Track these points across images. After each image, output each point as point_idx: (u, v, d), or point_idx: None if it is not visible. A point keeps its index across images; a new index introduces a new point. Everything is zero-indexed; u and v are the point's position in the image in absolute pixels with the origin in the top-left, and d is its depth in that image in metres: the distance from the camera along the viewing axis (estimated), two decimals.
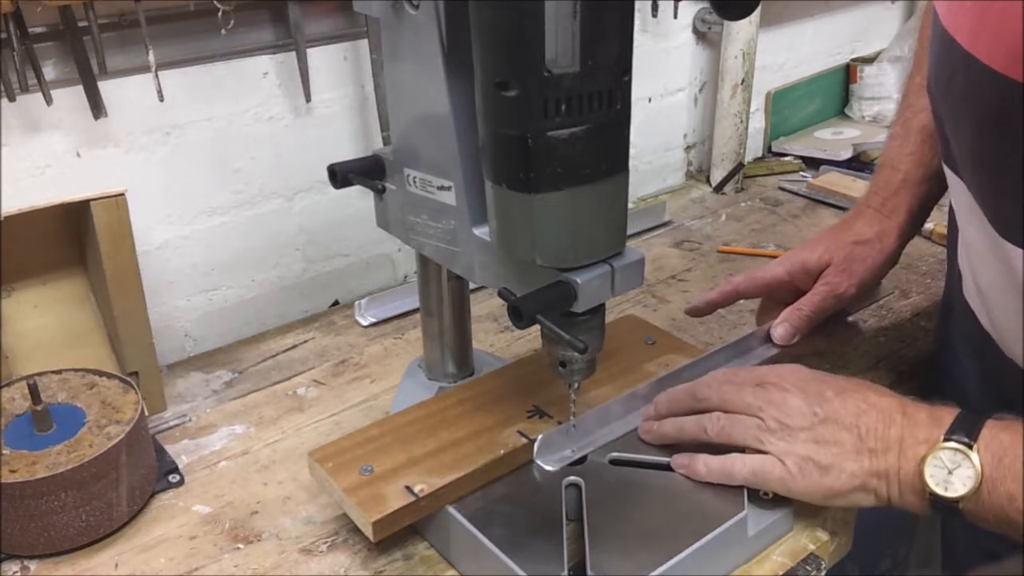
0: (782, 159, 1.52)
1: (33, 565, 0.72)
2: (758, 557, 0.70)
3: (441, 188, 0.70)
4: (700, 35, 1.39)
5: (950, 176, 0.70)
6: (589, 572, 0.63)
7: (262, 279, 1.08)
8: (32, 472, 0.70)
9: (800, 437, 0.66)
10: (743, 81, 1.35)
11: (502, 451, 0.73)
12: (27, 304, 0.88)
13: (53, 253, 0.88)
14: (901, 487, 0.63)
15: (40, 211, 0.79)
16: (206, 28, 0.92)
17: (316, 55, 1.01)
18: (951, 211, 0.79)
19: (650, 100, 1.38)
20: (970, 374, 0.82)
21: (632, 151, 0.62)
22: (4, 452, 0.72)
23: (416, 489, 0.69)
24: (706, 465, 0.70)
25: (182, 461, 0.84)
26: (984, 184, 0.64)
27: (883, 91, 1.59)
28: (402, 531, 0.70)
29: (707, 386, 0.73)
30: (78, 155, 0.90)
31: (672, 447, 0.74)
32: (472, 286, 0.85)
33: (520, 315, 0.60)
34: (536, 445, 0.73)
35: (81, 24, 0.84)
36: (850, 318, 0.95)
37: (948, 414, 0.63)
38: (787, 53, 1.54)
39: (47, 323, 0.89)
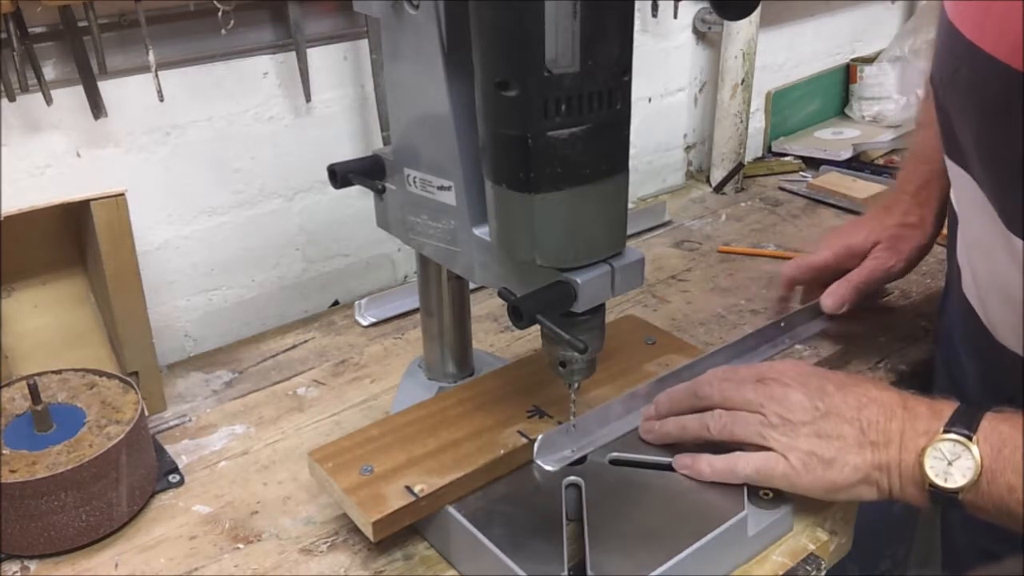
0: (782, 159, 1.52)
1: (33, 565, 0.72)
2: (758, 557, 0.70)
3: (441, 188, 0.70)
4: (700, 35, 1.39)
5: (953, 169, 0.70)
6: (589, 572, 0.63)
7: (262, 279, 1.08)
8: (32, 472, 0.70)
9: (802, 432, 0.67)
10: (743, 81, 1.35)
11: (502, 451, 0.73)
12: (27, 304, 0.88)
13: (53, 253, 0.88)
14: (902, 479, 0.64)
15: (40, 211, 0.79)
16: (206, 28, 0.92)
17: (316, 55, 1.01)
18: (950, 207, 0.79)
19: (650, 100, 1.38)
20: (970, 373, 0.82)
21: (632, 151, 0.62)
22: (4, 452, 0.72)
23: (416, 489, 0.69)
24: (710, 465, 0.71)
25: (182, 461, 0.84)
26: (989, 175, 0.64)
27: (883, 91, 1.59)
28: (402, 531, 0.70)
29: (708, 384, 0.73)
30: (78, 155, 0.90)
31: (673, 447, 0.74)
32: (472, 286, 0.85)
33: (520, 315, 0.60)
34: (536, 445, 0.73)
35: (81, 24, 0.84)
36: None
37: (948, 407, 0.64)
38: (787, 53, 1.54)
39: (47, 323, 0.89)
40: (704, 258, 1.21)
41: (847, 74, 1.65)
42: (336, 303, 1.14)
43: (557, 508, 0.69)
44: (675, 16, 1.32)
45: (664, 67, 1.37)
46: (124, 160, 0.93)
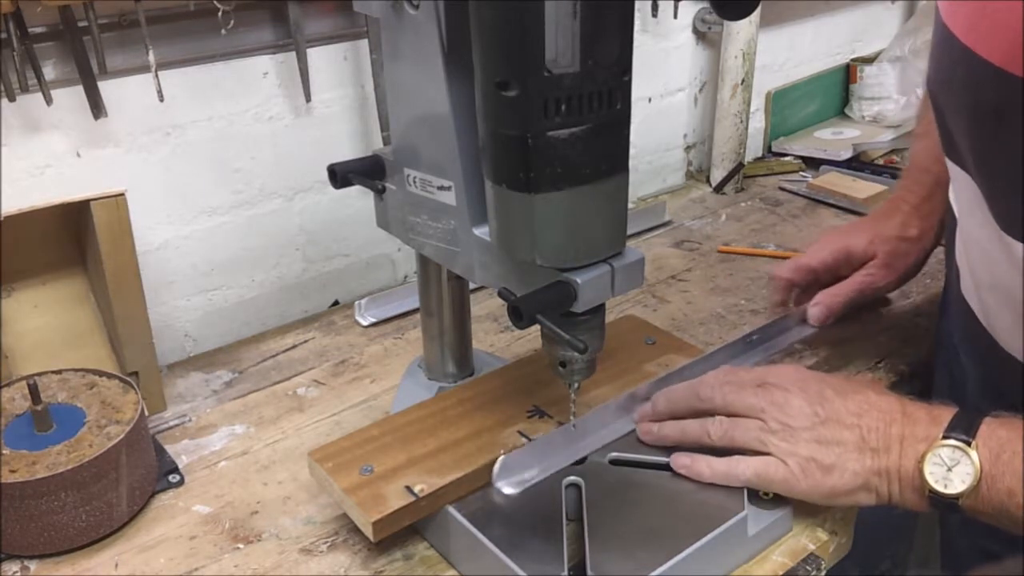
0: (782, 159, 1.52)
1: (33, 565, 0.72)
2: (758, 557, 0.70)
3: (441, 188, 0.70)
4: (700, 35, 1.39)
5: (953, 169, 0.70)
6: (589, 572, 0.63)
7: (262, 279, 1.08)
8: (32, 472, 0.70)
9: (803, 437, 0.67)
10: (743, 81, 1.35)
11: (502, 451, 0.73)
12: (27, 304, 0.88)
13: (53, 253, 0.88)
14: (902, 485, 0.64)
15: (40, 211, 0.79)
16: (206, 28, 0.92)
17: (316, 55, 1.01)
18: (949, 207, 0.79)
19: (650, 100, 1.38)
20: (969, 373, 0.82)
21: (632, 151, 0.62)
22: (4, 452, 0.72)
23: (416, 489, 0.69)
24: (709, 466, 0.70)
25: (182, 461, 0.84)
26: (984, 178, 0.64)
27: (883, 91, 1.59)
28: (402, 531, 0.70)
29: (709, 387, 0.73)
30: (78, 155, 0.90)
31: (672, 447, 0.74)
32: (472, 286, 0.85)
33: (520, 315, 0.60)
34: (496, 467, 0.71)
35: (81, 24, 0.84)
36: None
37: (947, 412, 0.64)
38: (787, 53, 1.54)
39: (47, 323, 0.89)
40: (704, 258, 1.21)
41: (847, 74, 1.65)
42: (336, 303, 1.14)
43: (557, 508, 0.69)
44: (675, 16, 1.32)
45: (664, 67, 1.37)
46: (124, 160, 0.93)
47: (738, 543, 0.69)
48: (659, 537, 0.66)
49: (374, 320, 1.07)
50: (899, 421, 0.65)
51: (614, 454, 0.75)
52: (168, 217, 0.98)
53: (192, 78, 0.94)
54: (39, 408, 0.74)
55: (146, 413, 0.80)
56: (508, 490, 0.71)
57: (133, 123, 0.92)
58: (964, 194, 0.69)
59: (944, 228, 0.90)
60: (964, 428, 0.62)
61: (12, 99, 0.83)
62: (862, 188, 1.35)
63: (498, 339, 1.03)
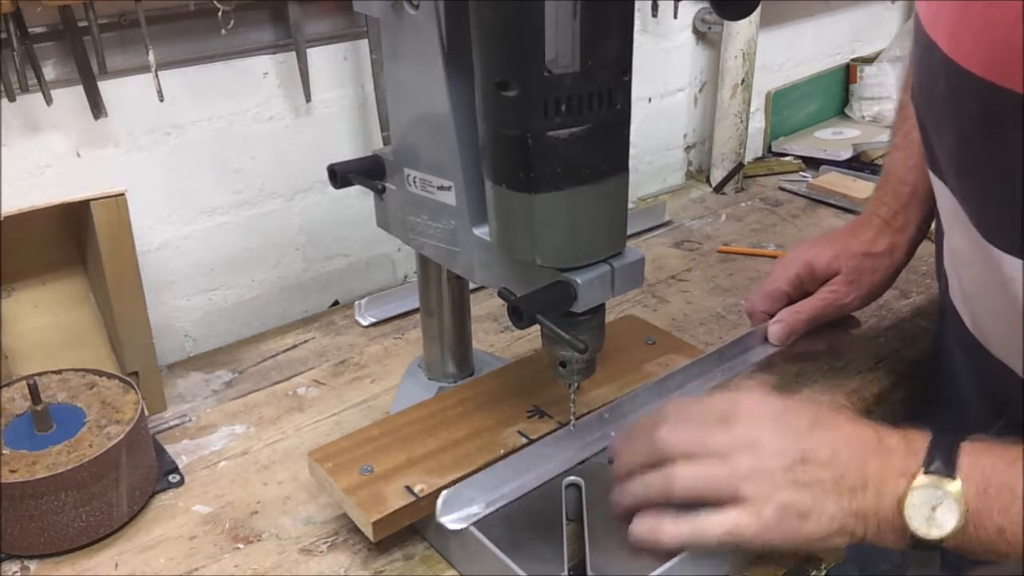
0: (782, 159, 1.52)
1: (33, 565, 0.72)
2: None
3: (441, 188, 0.70)
4: (700, 35, 1.39)
5: (935, 181, 0.70)
6: (589, 572, 0.63)
7: (262, 279, 1.08)
8: (32, 472, 0.70)
9: (779, 480, 0.59)
10: (743, 81, 1.35)
11: (502, 451, 0.73)
12: (27, 304, 0.88)
13: (53, 253, 0.88)
14: (881, 527, 0.59)
15: (40, 211, 0.79)
16: (206, 28, 0.92)
17: (316, 55, 1.01)
18: (937, 215, 0.79)
19: (650, 100, 1.38)
20: (966, 375, 0.82)
21: (632, 151, 0.62)
22: (4, 452, 0.72)
23: (416, 489, 0.69)
24: (675, 529, 0.62)
25: (182, 461, 0.84)
26: (968, 189, 0.64)
27: (883, 91, 1.59)
28: (402, 531, 0.70)
29: (667, 429, 0.64)
30: (78, 155, 0.90)
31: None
32: (472, 286, 0.85)
33: (520, 315, 0.60)
34: (440, 501, 0.67)
35: (81, 24, 0.84)
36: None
37: (921, 440, 0.58)
38: (787, 53, 1.54)
39: (47, 323, 0.89)
40: (704, 258, 1.21)
41: (847, 74, 1.65)
42: (336, 303, 1.14)
43: (557, 508, 0.69)
44: (675, 16, 1.32)
45: (664, 67, 1.37)
46: (124, 160, 0.93)
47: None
48: None
49: (374, 320, 1.07)
50: (875, 454, 0.59)
51: None
52: (168, 217, 0.98)
53: (192, 78, 0.94)
54: (39, 408, 0.74)
55: (146, 413, 0.80)
56: (454, 526, 0.66)
57: (133, 123, 0.92)
58: (945, 206, 0.69)
59: (923, 235, 0.88)
60: (943, 458, 0.56)
61: (12, 99, 0.83)
62: (862, 188, 1.35)
63: (498, 339, 1.03)
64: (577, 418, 0.74)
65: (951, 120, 0.62)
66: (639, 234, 1.28)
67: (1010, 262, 0.60)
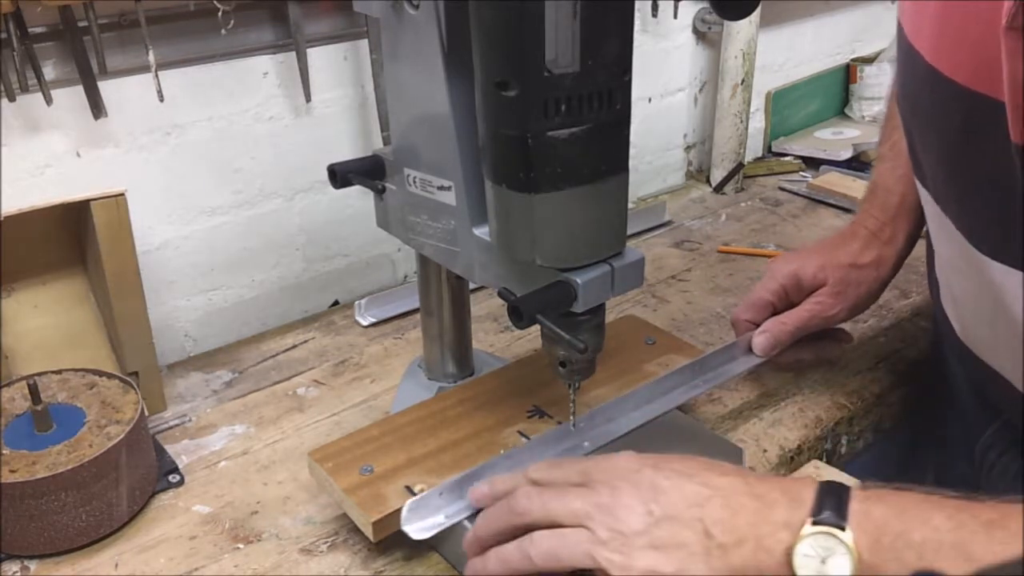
0: (782, 159, 1.52)
1: (33, 565, 0.72)
2: None
3: (441, 188, 0.70)
4: (700, 35, 1.39)
5: (920, 188, 0.70)
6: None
7: (262, 279, 1.08)
8: (32, 472, 0.70)
9: (636, 544, 0.55)
10: (743, 81, 1.35)
11: (502, 451, 0.73)
12: (27, 304, 0.88)
13: (53, 253, 0.88)
14: None
15: (40, 211, 0.79)
16: (206, 28, 0.92)
17: (316, 55, 1.01)
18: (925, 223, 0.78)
19: (650, 100, 1.38)
20: (960, 379, 0.82)
21: (632, 151, 0.62)
22: (4, 452, 0.72)
23: (416, 489, 0.69)
24: None
25: (182, 461, 0.84)
26: (953, 195, 0.64)
27: (883, 91, 1.58)
28: (402, 531, 0.70)
29: (525, 497, 0.61)
30: (78, 155, 0.90)
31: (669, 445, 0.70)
32: (472, 286, 0.85)
33: (520, 315, 0.60)
34: (405, 509, 0.66)
35: (81, 24, 0.84)
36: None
37: (807, 489, 0.55)
38: (787, 53, 1.54)
39: (47, 323, 0.89)
40: (704, 258, 1.21)
41: (847, 74, 1.64)
42: (336, 303, 1.14)
43: None
44: (675, 16, 1.32)
45: (664, 67, 1.37)
46: (124, 160, 0.93)
47: None
48: None
49: (374, 320, 1.07)
50: (748, 507, 0.55)
51: None
52: (168, 217, 0.98)
53: (192, 78, 0.94)
54: (39, 408, 0.74)
55: (146, 413, 0.80)
56: (417, 535, 0.66)
57: (133, 123, 0.92)
58: (931, 212, 0.69)
59: (912, 245, 0.87)
60: (833, 507, 0.53)
61: (12, 99, 0.83)
62: (862, 188, 1.33)
63: (498, 339, 1.03)
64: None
65: (935, 128, 0.62)
66: (639, 234, 1.28)
67: (997, 268, 0.60)
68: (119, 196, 0.80)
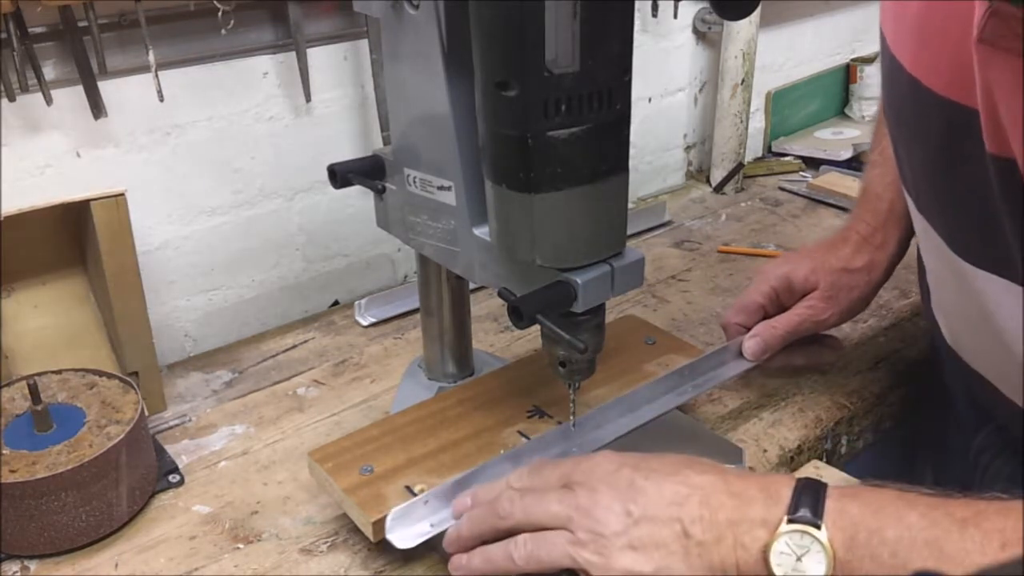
0: (782, 159, 1.52)
1: (33, 565, 0.72)
2: None
3: (441, 188, 0.70)
4: (700, 35, 1.39)
5: (907, 196, 0.70)
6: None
7: (262, 279, 1.08)
8: (32, 472, 0.70)
9: (615, 545, 0.56)
10: (743, 81, 1.35)
11: (502, 451, 0.73)
12: (27, 304, 0.88)
13: (53, 253, 0.88)
14: None
15: (40, 211, 0.79)
16: (206, 28, 0.92)
17: (316, 55, 1.01)
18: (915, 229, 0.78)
19: (650, 100, 1.38)
20: (952, 382, 0.82)
21: (632, 151, 0.62)
22: (4, 452, 0.72)
23: (416, 489, 0.69)
24: None
25: (182, 461, 0.84)
26: (936, 205, 0.64)
27: None
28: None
29: (508, 500, 0.62)
30: (78, 155, 0.90)
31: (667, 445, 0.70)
32: (472, 286, 0.85)
33: (520, 315, 0.60)
34: (389, 517, 0.66)
35: (81, 24, 0.84)
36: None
37: (784, 486, 0.56)
38: (787, 53, 1.54)
39: (47, 323, 0.89)
40: (704, 258, 1.21)
41: (847, 74, 1.64)
42: (336, 303, 1.14)
43: None
44: (675, 16, 1.32)
45: (664, 67, 1.37)
46: (124, 160, 0.93)
47: None
48: None
49: (374, 320, 1.07)
50: (727, 505, 0.56)
51: None
52: (168, 217, 0.98)
53: (192, 78, 0.94)
54: (39, 408, 0.74)
55: (146, 413, 0.80)
56: (402, 544, 0.66)
57: (133, 123, 0.92)
58: (917, 220, 0.69)
59: (904, 250, 0.87)
60: (809, 505, 0.53)
61: (12, 99, 0.83)
62: None
63: (498, 339, 1.03)
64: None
65: (917, 137, 0.62)
66: (639, 234, 1.28)
67: (980, 275, 0.60)
68: (119, 196, 0.80)
